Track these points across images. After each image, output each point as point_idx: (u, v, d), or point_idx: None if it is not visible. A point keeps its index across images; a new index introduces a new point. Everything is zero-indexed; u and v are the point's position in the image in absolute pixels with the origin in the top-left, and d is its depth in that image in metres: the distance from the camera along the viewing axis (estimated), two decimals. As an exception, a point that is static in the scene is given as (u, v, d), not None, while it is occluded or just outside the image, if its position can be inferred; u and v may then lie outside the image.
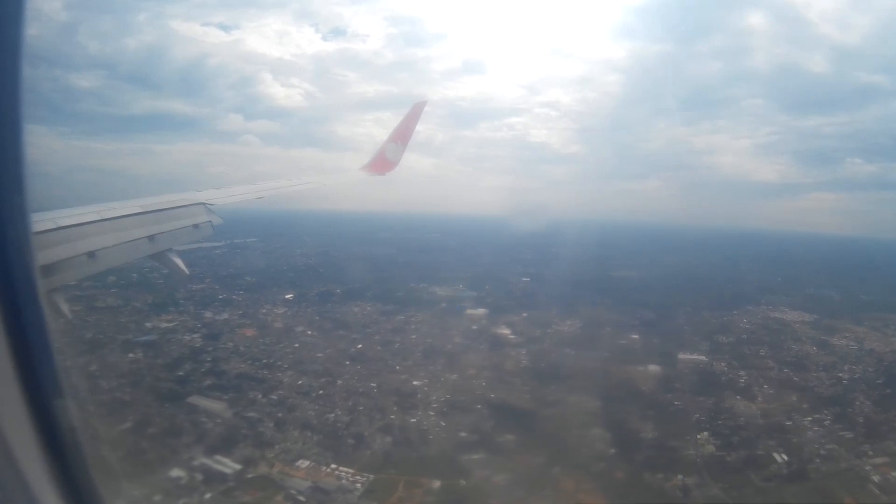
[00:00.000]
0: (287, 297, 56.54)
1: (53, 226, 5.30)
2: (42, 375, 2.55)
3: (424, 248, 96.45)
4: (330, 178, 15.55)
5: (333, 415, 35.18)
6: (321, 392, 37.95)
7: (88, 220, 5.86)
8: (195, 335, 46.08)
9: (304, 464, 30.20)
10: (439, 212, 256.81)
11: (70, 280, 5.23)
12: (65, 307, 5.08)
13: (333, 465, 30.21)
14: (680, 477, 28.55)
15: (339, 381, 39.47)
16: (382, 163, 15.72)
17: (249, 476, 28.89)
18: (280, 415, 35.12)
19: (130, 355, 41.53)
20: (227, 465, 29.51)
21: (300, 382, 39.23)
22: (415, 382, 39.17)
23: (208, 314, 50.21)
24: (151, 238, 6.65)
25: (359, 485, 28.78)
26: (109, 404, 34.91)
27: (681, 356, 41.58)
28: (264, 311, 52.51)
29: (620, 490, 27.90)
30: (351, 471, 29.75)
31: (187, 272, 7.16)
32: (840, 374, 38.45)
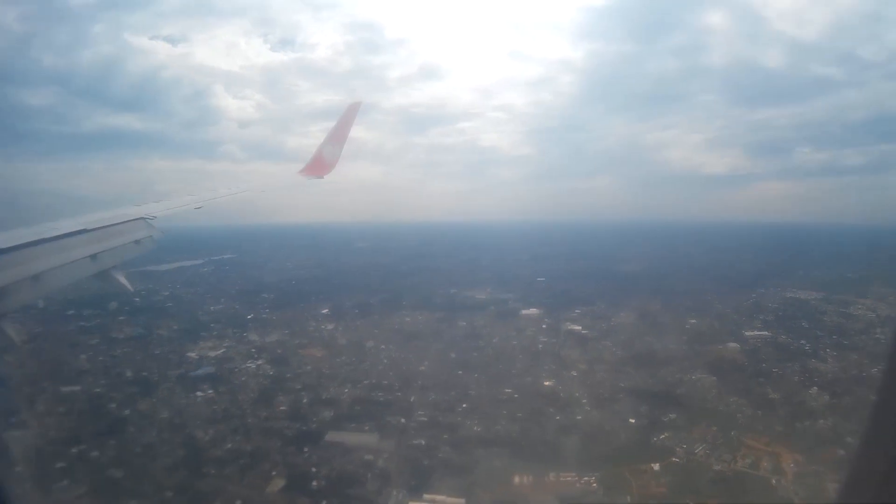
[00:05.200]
0: (323, 311, 49.24)
1: None
2: None
3: (415, 255, 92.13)
4: (266, 183, 15.19)
5: (500, 426, 32.26)
6: (465, 406, 34.40)
7: (27, 240, 5.47)
8: (259, 361, 37.92)
9: (524, 479, 27.34)
10: (390, 219, 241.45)
11: (17, 305, 4.83)
12: (13, 333, 4.78)
13: (553, 473, 27.88)
14: (821, 420, 33.00)
15: (472, 392, 36.20)
16: (320, 164, 15.39)
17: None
18: (446, 436, 31.02)
19: (199, 394, 32.48)
20: (447, 503, 25.66)
21: (432, 399, 35.05)
22: (546, 383, 37.83)
23: (254, 337, 41.29)
24: (94, 257, 6.26)
25: (594, 484, 27.08)
26: (233, 461, 27.24)
27: (747, 333, 46.81)
28: (311, 328, 45.15)
29: (791, 438, 30.95)
30: (573, 474, 27.79)
31: (132, 290, 6.73)
32: (878, 336, 45.31)
